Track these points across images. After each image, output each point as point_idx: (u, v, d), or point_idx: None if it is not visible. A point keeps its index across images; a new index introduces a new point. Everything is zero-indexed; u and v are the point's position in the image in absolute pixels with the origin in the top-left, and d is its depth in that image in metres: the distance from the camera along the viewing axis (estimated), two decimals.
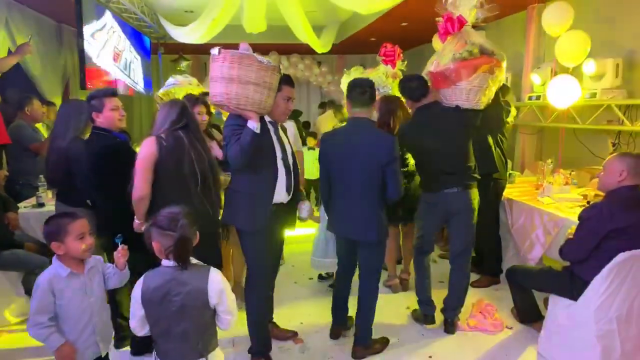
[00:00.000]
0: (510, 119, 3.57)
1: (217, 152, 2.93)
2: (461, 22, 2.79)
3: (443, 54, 2.85)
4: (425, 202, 3.01)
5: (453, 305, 3.01)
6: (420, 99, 2.89)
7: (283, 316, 3.07)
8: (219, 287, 1.71)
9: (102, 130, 2.63)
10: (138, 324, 1.73)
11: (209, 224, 2.38)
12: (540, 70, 4.45)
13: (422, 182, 3.07)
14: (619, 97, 3.66)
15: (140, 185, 2.26)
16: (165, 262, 1.71)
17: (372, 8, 4.15)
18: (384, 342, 2.82)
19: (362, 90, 2.53)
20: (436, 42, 5.98)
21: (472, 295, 3.42)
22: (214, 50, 2.34)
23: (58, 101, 5.59)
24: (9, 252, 3.01)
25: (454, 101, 2.83)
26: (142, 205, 2.29)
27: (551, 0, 4.36)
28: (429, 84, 2.89)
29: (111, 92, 2.74)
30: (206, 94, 4.05)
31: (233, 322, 1.78)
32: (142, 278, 1.73)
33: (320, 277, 3.85)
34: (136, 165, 2.28)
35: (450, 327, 3.00)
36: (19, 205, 3.44)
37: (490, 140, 3.50)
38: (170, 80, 4.33)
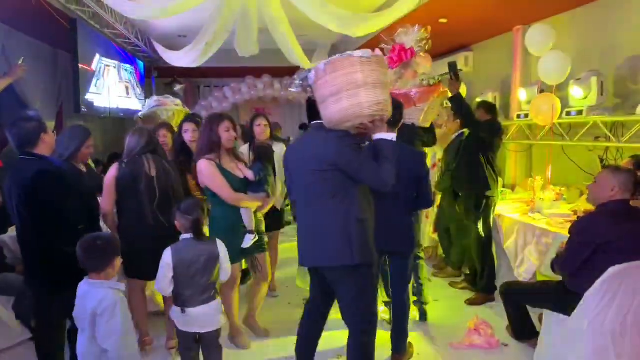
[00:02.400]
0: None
1: (246, 172, 2.91)
2: (412, 52, 3.19)
3: (403, 80, 3.36)
4: None
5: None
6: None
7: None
8: (224, 250, 2.41)
9: (32, 156, 2.31)
10: (167, 285, 2.29)
11: (163, 238, 2.49)
12: (528, 89, 4.56)
13: None
14: (604, 114, 3.74)
15: (104, 204, 2.81)
16: (183, 236, 2.35)
17: (362, 31, 4.24)
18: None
19: None
20: (416, 65, 6.10)
21: (467, 313, 3.41)
22: (364, 53, 2.01)
23: (51, 125, 5.61)
24: (0, 276, 2.98)
25: (409, 119, 3.20)
26: (108, 220, 2.83)
27: (535, 22, 4.49)
28: None
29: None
30: (193, 114, 4.09)
31: (229, 270, 2.47)
32: (169, 249, 2.28)
33: None
34: (103, 187, 2.79)
35: None
36: (10, 229, 3.41)
37: (482, 159, 3.56)
38: (151, 102, 4.28)
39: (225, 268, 2.45)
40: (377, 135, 2.10)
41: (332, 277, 2.22)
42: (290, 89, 2.45)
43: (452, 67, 3.53)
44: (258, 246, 2.93)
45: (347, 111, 2.01)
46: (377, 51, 2.07)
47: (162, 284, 2.31)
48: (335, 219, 2.11)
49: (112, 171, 2.78)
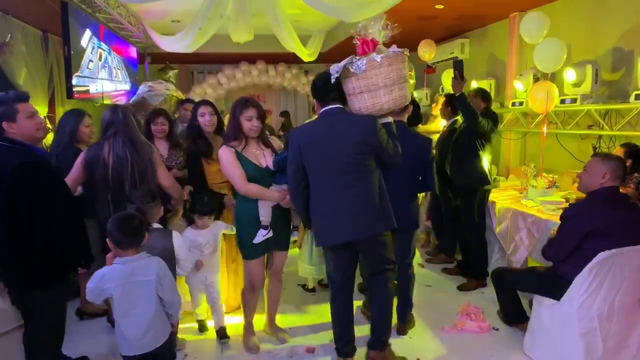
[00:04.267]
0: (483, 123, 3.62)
1: (268, 161, 2.70)
2: (374, 43, 3.23)
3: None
4: None
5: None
6: None
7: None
8: (180, 241, 2.44)
9: (12, 143, 2.10)
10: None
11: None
12: (523, 77, 4.56)
13: None
14: (598, 102, 3.76)
15: (70, 184, 2.48)
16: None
17: (357, 17, 4.21)
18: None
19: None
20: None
21: (459, 299, 3.46)
22: (404, 50, 2.32)
23: (44, 111, 5.56)
24: None
25: None
26: None
27: (531, 9, 4.48)
28: None
29: (23, 96, 2.22)
30: (186, 100, 3.96)
31: (187, 264, 2.53)
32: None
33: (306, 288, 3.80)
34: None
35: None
36: None
37: (480, 152, 3.56)
38: (143, 88, 4.17)
39: (182, 263, 2.42)
40: (384, 120, 2.41)
41: (369, 244, 2.44)
42: (332, 71, 2.29)
43: (458, 65, 3.42)
44: (276, 242, 2.73)
45: (396, 102, 2.33)
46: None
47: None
48: (372, 194, 2.36)
49: (83, 153, 2.66)
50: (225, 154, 2.58)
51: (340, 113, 2.39)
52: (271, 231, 2.66)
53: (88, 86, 5.17)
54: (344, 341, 2.59)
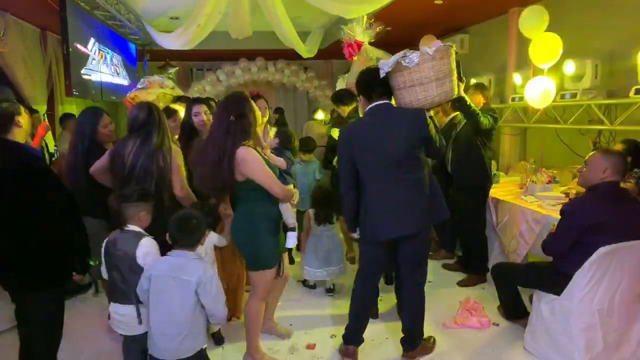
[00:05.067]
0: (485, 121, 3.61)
1: (276, 160, 2.61)
2: (359, 44, 3.38)
3: (353, 70, 3.54)
4: None
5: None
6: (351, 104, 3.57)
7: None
8: (143, 251, 2.19)
9: (8, 143, 2.06)
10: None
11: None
12: (522, 72, 4.55)
13: None
14: (598, 97, 3.75)
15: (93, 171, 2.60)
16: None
17: (356, 12, 4.20)
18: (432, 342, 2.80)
19: None
20: (423, 45, 6.07)
21: (459, 294, 3.46)
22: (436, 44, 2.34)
23: (42, 109, 5.55)
24: None
25: None
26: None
27: (532, 4, 4.46)
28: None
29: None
30: (180, 97, 3.90)
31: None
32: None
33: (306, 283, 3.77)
34: None
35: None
36: None
37: (482, 150, 3.55)
38: (140, 84, 4.12)
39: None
40: (427, 114, 2.43)
41: (416, 239, 2.46)
42: (382, 67, 2.26)
43: (456, 66, 3.43)
44: (282, 244, 2.64)
45: (447, 94, 2.39)
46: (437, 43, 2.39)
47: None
48: (424, 187, 2.41)
49: (114, 145, 2.63)
50: (254, 155, 2.31)
51: (389, 108, 2.44)
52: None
53: (86, 83, 5.16)
54: (357, 330, 2.63)
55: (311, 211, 3.60)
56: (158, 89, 3.81)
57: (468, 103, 3.33)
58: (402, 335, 2.67)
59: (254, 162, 2.30)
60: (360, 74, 2.55)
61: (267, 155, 2.56)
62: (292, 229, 2.59)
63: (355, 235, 2.66)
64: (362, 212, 2.49)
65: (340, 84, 4.71)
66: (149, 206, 2.26)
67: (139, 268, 2.11)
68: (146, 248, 2.16)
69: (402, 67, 2.31)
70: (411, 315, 2.62)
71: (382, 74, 2.32)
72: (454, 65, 2.39)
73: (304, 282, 3.79)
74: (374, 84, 2.41)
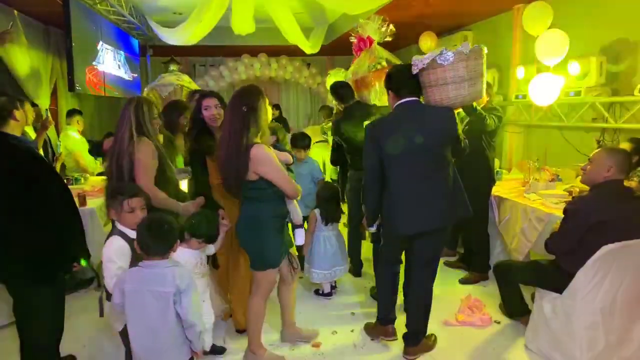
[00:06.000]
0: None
1: (281, 156, 2.54)
2: (370, 40, 3.41)
3: (360, 65, 3.58)
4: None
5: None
6: (348, 100, 3.61)
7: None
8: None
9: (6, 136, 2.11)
10: None
11: None
12: (526, 69, 4.53)
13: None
14: (602, 95, 3.73)
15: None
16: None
17: (360, 8, 4.19)
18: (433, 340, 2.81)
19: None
20: (422, 43, 6.05)
21: (461, 292, 3.46)
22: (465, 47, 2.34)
23: (46, 103, 5.56)
24: None
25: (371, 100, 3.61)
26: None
27: (534, 0, 4.43)
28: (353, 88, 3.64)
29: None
30: (198, 91, 3.85)
31: None
32: None
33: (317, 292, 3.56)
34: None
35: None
36: None
37: (486, 152, 3.53)
38: (157, 79, 4.10)
39: (105, 274, 2.08)
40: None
41: (435, 234, 2.52)
42: (416, 63, 2.29)
43: None
44: (289, 241, 2.61)
45: (477, 94, 2.43)
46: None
47: None
48: (449, 184, 2.47)
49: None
50: (269, 152, 2.29)
51: (418, 105, 2.47)
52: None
53: (90, 79, 5.16)
54: (390, 308, 2.76)
55: (317, 211, 3.41)
56: (175, 81, 3.75)
57: (475, 106, 3.33)
58: (404, 331, 2.68)
59: (269, 161, 2.27)
60: (391, 69, 2.60)
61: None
62: (300, 226, 2.56)
63: (372, 229, 2.74)
64: (385, 207, 2.53)
65: (330, 80, 4.86)
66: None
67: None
68: (112, 250, 2.06)
69: (437, 65, 2.32)
70: (418, 312, 2.65)
71: (415, 70, 2.36)
72: (484, 67, 2.43)
73: (317, 292, 3.54)
74: (405, 80, 2.44)
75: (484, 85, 2.46)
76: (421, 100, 2.50)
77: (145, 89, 4.06)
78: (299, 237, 2.57)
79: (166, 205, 2.34)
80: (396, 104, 2.48)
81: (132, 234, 2.04)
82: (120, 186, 2.21)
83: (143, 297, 1.85)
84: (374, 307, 2.91)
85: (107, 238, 2.10)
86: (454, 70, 2.32)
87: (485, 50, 2.41)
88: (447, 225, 2.56)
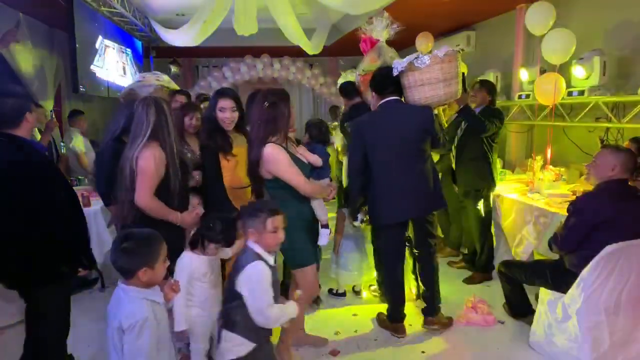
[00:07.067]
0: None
1: (309, 156, 2.52)
2: (372, 41, 3.49)
3: (364, 64, 3.64)
4: None
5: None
6: (353, 98, 3.69)
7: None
8: None
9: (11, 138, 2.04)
10: None
11: None
12: (529, 69, 4.52)
13: None
14: (606, 94, 3.71)
15: None
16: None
17: (363, 9, 4.18)
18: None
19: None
20: (419, 44, 6.03)
21: (465, 292, 3.46)
22: (442, 51, 2.53)
23: (50, 105, 5.58)
24: None
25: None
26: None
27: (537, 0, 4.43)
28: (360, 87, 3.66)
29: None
30: (178, 91, 3.75)
31: None
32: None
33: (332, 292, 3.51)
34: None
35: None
36: None
37: (488, 154, 3.53)
38: (135, 79, 4.07)
39: None
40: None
41: (422, 221, 2.83)
42: (396, 66, 2.40)
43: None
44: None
45: (452, 95, 2.65)
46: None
47: None
48: (428, 176, 2.70)
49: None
50: (280, 153, 2.29)
51: (399, 103, 2.71)
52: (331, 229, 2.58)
53: (94, 80, 5.19)
54: (399, 308, 2.90)
55: (345, 210, 3.26)
56: (154, 81, 3.66)
57: (473, 112, 3.34)
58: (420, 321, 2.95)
59: (278, 161, 2.29)
60: (375, 72, 2.83)
61: (297, 152, 2.46)
62: (326, 226, 2.53)
63: (357, 223, 2.99)
64: (370, 199, 2.77)
65: (342, 80, 4.83)
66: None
67: None
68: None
69: (414, 67, 2.55)
70: (428, 279, 2.92)
71: (395, 73, 2.57)
72: (460, 68, 2.64)
73: (330, 291, 3.49)
74: (386, 81, 2.68)
75: (460, 86, 2.68)
76: (402, 99, 2.72)
77: (125, 89, 4.00)
78: (323, 238, 2.53)
79: (162, 215, 2.22)
80: (379, 103, 2.72)
81: (270, 259, 1.87)
82: (260, 202, 2.12)
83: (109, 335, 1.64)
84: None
85: (243, 261, 1.85)
86: (430, 72, 2.55)
87: (459, 52, 2.64)
88: (429, 213, 2.83)
